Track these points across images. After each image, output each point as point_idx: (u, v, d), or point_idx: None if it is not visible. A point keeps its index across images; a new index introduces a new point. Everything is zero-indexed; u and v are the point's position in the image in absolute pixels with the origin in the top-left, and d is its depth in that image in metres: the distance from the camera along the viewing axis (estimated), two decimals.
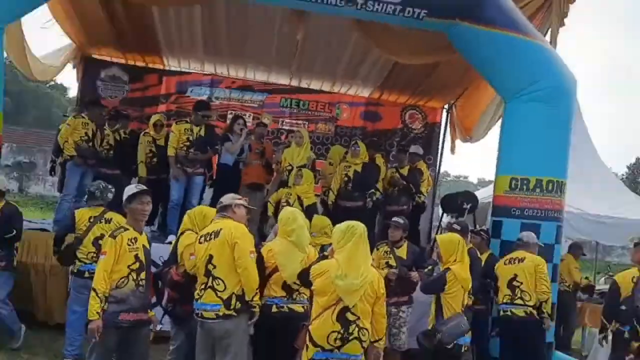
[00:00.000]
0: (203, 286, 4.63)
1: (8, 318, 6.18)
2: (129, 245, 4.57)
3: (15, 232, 6.21)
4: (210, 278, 4.58)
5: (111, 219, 6.12)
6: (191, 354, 4.98)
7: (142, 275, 4.65)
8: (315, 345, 4.20)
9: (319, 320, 4.23)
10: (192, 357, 4.95)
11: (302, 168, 8.21)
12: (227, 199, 4.90)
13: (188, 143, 8.08)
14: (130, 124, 9.31)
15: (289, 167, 8.46)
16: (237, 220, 4.76)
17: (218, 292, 4.55)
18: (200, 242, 4.71)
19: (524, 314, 6.40)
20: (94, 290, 4.42)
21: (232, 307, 4.53)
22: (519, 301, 6.42)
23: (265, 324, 4.85)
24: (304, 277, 4.57)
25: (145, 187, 4.93)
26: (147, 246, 4.77)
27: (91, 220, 6.10)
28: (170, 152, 8.09)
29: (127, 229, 4.65)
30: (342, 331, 4.16)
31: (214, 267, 4.58)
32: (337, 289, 4.18)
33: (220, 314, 4.53)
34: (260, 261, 4.84)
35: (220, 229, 4.63)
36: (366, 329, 4.24)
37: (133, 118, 9.83)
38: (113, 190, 6.35)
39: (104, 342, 4.49)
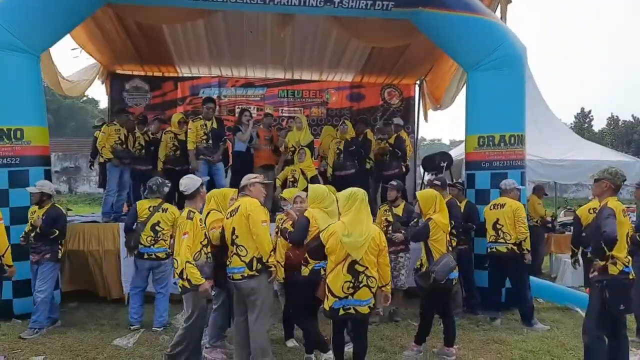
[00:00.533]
0: (231, 254, 4.69)
1: (54, 306, 6.13)
2: (200, 224, 4.65)
3: (57, 232, 6.01)
4: (235, 246, 4.64)
5: (167, 208, 6.17)
6: (231, 309, 5.14)
7: (208, 248, 4.75)
8: (333, 295, 4.29)
9: (333, 273, 4.30)
10: (232, 311, 5.09)
11: (303, 147, 8.20)
12: (244, 180, 4.92)
13: (205, 136, 8.00)
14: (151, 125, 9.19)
15: (293, 149, 8.44)
16: (254, 196, 4.77)
17: (241, 257, 4.59)
18: (227, 218, 4.77)
19: (505, 249, 6.55)
20: (189, 262, 4.46)
21: (254, 268, 4.58)
22: (501, 240, 6.57)
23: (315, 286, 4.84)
24: (312, 251, 4.61)
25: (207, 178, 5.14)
26: (223, 224, 4.86)
27: (150, 209, 6.14)
28: (191, 146, 7.99)
29: (195, 212, 4.67)
30: (353, 281, 4.25)
31: (237, 237, 4.62)
32: (344, 245, 4.22)
33: (245, 274, 4.58)
34: (307, 223, 4.81)
35: (239, 206, 4.67)
36: (373, 277, 4.31)
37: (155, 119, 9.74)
38: (169, 184, 6.35)
39: (200, 304, 4.64)
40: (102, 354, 5.35)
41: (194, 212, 4.65)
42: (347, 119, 9.54)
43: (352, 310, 4.29)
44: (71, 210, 10.50)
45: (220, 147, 8.23)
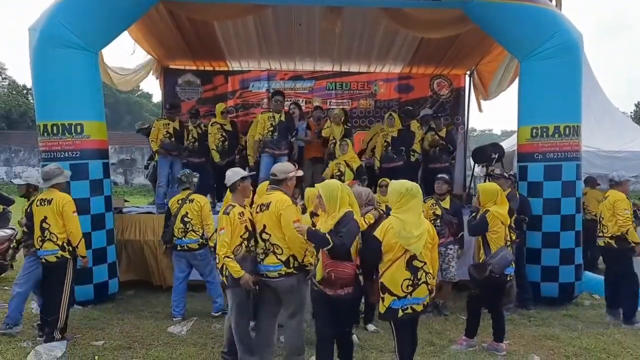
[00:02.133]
0: (263, 250, 4.51)
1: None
2: (239, 218, 4.49)
3: None
4: (267, 243, 4.47)
5: (193, 199, 6.27)
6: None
7: (252, 241, 4.57)
8: (391, 294, 4.03)
9: (390, 271, 4.03)
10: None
11: (345, 139, 8.21)
12: (281, 173, 4.60)
13: (272, 128, 8.09)
14: (205, 119, 9.34)
15: (333, 141, 8.48)
16: (288, 192, 4.58)
17: (278, 255, 4.41)
18: (257, 212, 4.58)
19: (603, 243, 6.40)
20: (227, 256, 4.39)
21: (291, 266, 4.42)
22: (600, 233, 6.42)
23: None
24: (369, 254, 4.18)
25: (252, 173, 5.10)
26: (252, 217, 4.62)
27: (179, 202, 6.29)
28: (257, 137, 8.20)
29: (235, 206, 4.57)
30: (412, 278, 4.01)
31: (269, 235, 4.46)
32: (402, 242, 3.96)
33: (283, 272, 4.41)
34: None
35: (270, 202, 4.48)
36: (430, 273, 4.11)
37: (208, 114, 9.90)
38: (197, 175, 6.52)
39: (239, 298, 4.55)
40: (157, 340, 5.53)
41: (233, 207, 4.54)
42: (394, 111, 9.44)
43: (409, 310, 4.04)
44: (128, 201, 10.89)
45: (286, 140, 8.27)
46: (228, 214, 4.50)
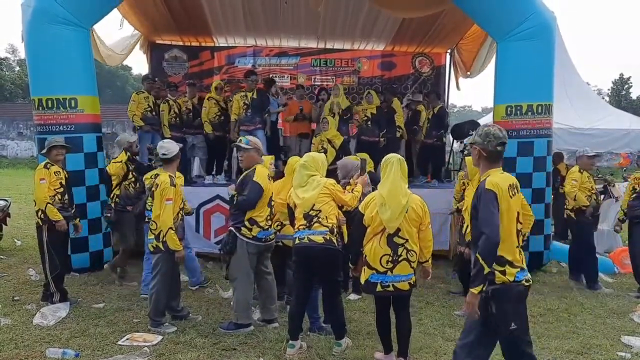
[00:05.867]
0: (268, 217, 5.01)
1: None
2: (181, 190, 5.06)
3: None
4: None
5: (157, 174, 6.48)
6: None
7: (183, 211, 5.19)
8: (370, 267, 4.06)
9: (371, 245, 4.08)
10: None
11: (325, 117, 8.55)
12: (261, 145, 5.18)
13: (245, 106, 8.42)
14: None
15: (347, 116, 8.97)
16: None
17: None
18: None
19: (566, 215, 7.01)
20: (171, 228, 4.82)
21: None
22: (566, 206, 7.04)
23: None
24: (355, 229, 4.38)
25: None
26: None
27: (153, 177, 6.38)
28: (233, 117, 8.53)
29: (174, 178, 4.99)
30: (391, 254, 4.00)
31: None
32: (380, 216, 3.99)
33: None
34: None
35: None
36: (414, 251, 4.05)
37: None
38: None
39: (165, 268, 5.01)
40: None
41: (173, 177, 4.97)
42: (370, 88, 9.76)
43: (390, 288, 4.03)
44: None
45: (260, 116, 8.56)
46: (174, 185, 4.90)
